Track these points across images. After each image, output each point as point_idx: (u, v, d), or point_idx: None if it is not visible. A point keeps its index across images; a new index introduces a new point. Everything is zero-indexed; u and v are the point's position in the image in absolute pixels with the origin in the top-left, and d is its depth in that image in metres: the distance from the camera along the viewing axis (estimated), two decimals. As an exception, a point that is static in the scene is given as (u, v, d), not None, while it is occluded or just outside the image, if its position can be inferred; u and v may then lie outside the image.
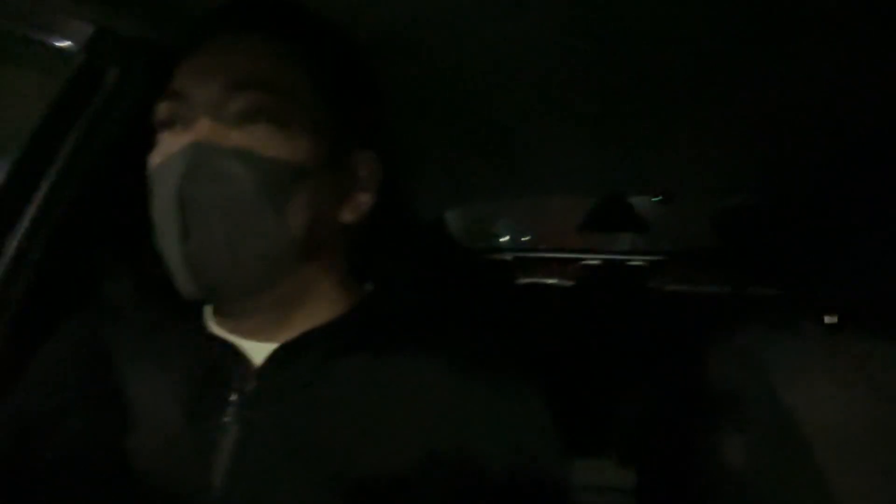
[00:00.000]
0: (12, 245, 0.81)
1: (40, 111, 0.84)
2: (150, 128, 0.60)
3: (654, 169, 1.72)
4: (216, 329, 0.63)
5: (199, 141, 0.54)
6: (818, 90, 1.06)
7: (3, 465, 0.61)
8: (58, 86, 0.85)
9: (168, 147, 0.57)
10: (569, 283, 2.58)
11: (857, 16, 0.78)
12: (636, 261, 2.81)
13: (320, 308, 0.62)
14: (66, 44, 0.85)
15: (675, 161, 1.63)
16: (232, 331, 0.62)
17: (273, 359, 0.59)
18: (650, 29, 0.83)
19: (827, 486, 0.94)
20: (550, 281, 2.89)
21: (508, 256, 3.17)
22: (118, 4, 0.77)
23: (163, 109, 0.58)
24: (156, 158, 0.58)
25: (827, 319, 1.08)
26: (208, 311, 0.65)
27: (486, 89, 1.08)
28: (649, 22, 0.80)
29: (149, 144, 0.60)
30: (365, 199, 0.64)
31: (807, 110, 1.17)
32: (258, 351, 0.60)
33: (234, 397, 0.58)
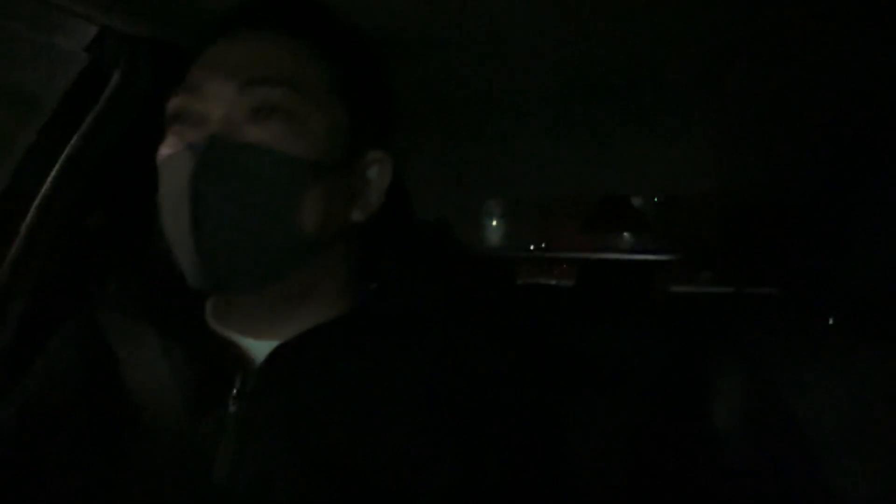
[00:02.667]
0: (16, 244, 0.81)
1: (45, 111, 0.84)
2: (154, 127, 0.60)
3: (654, 169, 1.72)
4: (218, 327, 0.63)
5: (213, 134, 0.54)
6: (818, 90, 1.06)
7: (6, 463, 0.61)
8: (62, 86, 0.85)
9: (180, 140, 0.57)
10: (569, 284, 2.58)
11: (858, 15, 0.78)
12: (636, 261, 2.81)
13: (323, 306, 0.62)
14: (69, 44, 0.85)
15: (675, 161, 1.63)
16: (234, 328, 0.62)
17: (274, 357, 0.59)
18: (651, 29, 0.83)
19: (826, 484, 0.94)
20: (550, 281, 2.89)
21: (509, 256, 3.17)
22: (121, 4, 0.77)
23: (176, 103, 0.58)
24: (167, 151, 0.58)
25: (827, 319, 1.08)
26: (210, 308, 0.65)
27: (487, 89, 1.08)
28: (650, 22, 0.81)
29: (153, 143, 0.60)
30: (375, 199, 0.64)
31: (807, 110, 1.17)
32: (259, 348, 0.60)
33: (235, 395, 0.58)
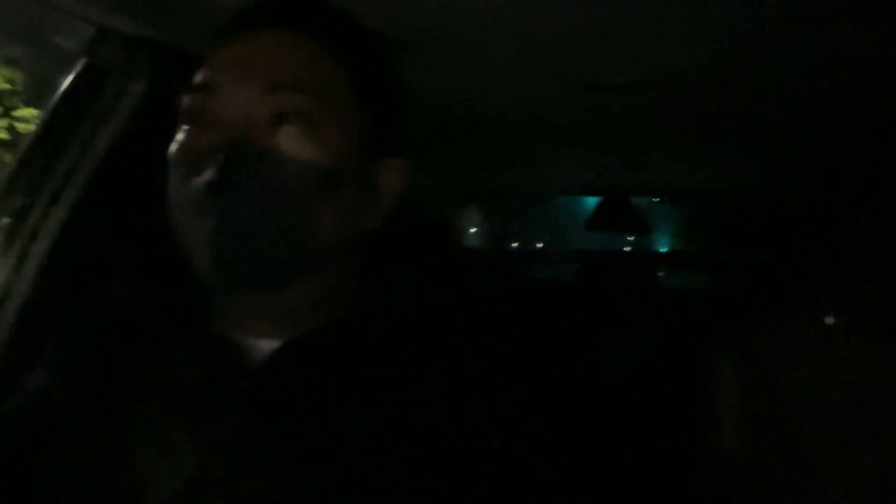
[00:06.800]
0: (17, 245, 0.81)
1: (44, 111, 0.85)
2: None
3: (654, 169, 1.73)
4: (219, 326, 0.63)
5: (233, 138, 0.54)
6: (819, 91, 1.06)
7: (7, 464, 0.61)
8: (61, 86, 0.85)
9: (196, 140, 0.56)
10: (570, 282, 2.58)
11: (859, 15, 0.78)
12: (637, 260, 2.81)
13: (327, 307, 0.62)
14: (68, 44, 0.85)
15: (676, 161, 1.63)
16: (236, 328, 0.62)
17: (276, 356, 0.59)
18: (653, 30, 0.83)
19: (825, 484, 0.94)
20: (552, 280, 2.90)
21: (510, 256, 3.17)
22: (120, 5, 0.77)
23: (192, 101, 0.57)
24: (184, 150, 0.56)
25: (827, 319, 1.08)
26: (212, 308, 0.65)
27: (488, 90, 1.08)
28: (653, 23, 0.80)
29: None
30: (387, 206, 0.63)
31: (807, 111, 1.17)
32: (261, 349, 0.60)
33: (235, 396, 0.58)
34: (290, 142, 0.55)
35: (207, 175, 0.53)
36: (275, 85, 0.55)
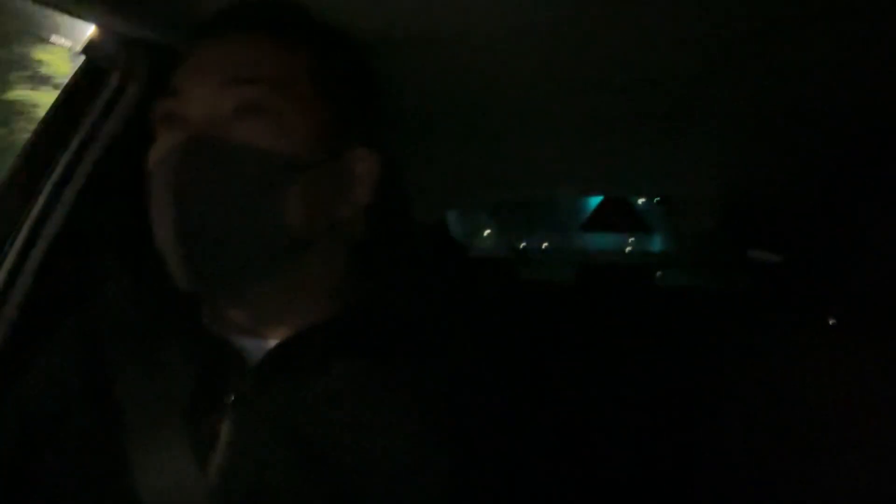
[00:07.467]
0: (14, 246, 0.81)
1: (42, 111, 0.84)
2: (152, 128, 0.61)
3: (654, 169, 1.72)
4: (214, 327, 0.63)
5: (193, 136, 0.55)
6: (819, 90, 1.06)
7: (5, 464, 0.61)
8: (59, 86, 0.85)
9: (164, 143, 0.57)
10: (569, 283, 2.58)
11: (859, 14, 0.78)
12: (637, 260, 2.81)
13: (317, 306, 0.62)
14: (67, 44, 0.85)
15: (675, 161, 1.63)
16: (229, 328, 0.62)
17: (269, 358, 0.60)
18: (652, 28, 0.83)
19: (826, 482, 0.94)
20: (551, 281, 2.90)
21: (508, 256, 3.17)
22: (119, 5, 0.77)
23: (161, 106, 0.59)
24: (153, 155, 0.58)
25: (828, 320, 1.08)
26: (206, 310, 0.65)
27: (487, 89, 1.08)
28: (651, 21, 0.80)
29: (150, 145, 0.60)
30: (361, 196, 0.64)
31: (808, 110, 1.17)
32: (254, 349, 0.60)
33: (229, 396, 0.58)
34: (251, 133, 0.56)
35: (167, 174, 0.54)
36: (232, 79, 0.56)
